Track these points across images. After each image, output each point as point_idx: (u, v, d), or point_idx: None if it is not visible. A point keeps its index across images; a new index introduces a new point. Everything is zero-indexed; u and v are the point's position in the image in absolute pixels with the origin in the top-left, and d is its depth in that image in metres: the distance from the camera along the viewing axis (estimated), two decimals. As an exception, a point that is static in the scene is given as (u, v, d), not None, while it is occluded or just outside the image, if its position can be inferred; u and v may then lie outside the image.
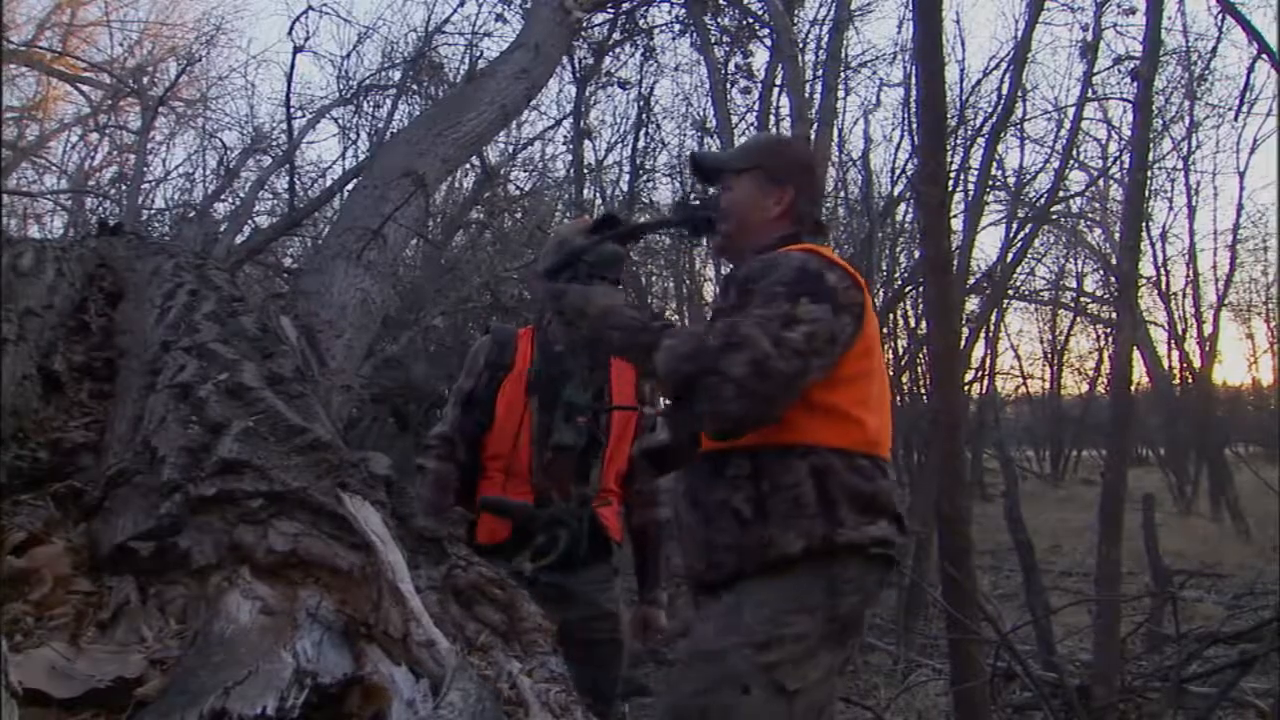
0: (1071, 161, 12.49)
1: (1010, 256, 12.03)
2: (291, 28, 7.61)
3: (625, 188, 11.20)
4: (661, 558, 2.88)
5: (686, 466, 2.09)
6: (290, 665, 0.93)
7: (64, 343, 2.27)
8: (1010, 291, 14.80)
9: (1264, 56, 5.40)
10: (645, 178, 10.86)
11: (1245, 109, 11.62)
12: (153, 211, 10.86)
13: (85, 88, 14.07)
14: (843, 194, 12.50)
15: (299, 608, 1.07)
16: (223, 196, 10.48)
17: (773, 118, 10.52)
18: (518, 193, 11.31)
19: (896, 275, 12.05)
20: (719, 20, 9.75)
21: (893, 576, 2.19)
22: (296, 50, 7.36)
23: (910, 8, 6.69)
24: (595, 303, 2.03)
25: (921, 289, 9.29)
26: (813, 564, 1.87)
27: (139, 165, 10.55)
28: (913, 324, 13.45)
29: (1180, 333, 17.15)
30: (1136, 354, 15.96)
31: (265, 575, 1.14)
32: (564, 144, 11.93)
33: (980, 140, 10.68)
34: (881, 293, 11.00)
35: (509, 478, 2.72)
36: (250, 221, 9.62)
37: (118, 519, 1.27)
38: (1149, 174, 12.76)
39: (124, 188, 11.22)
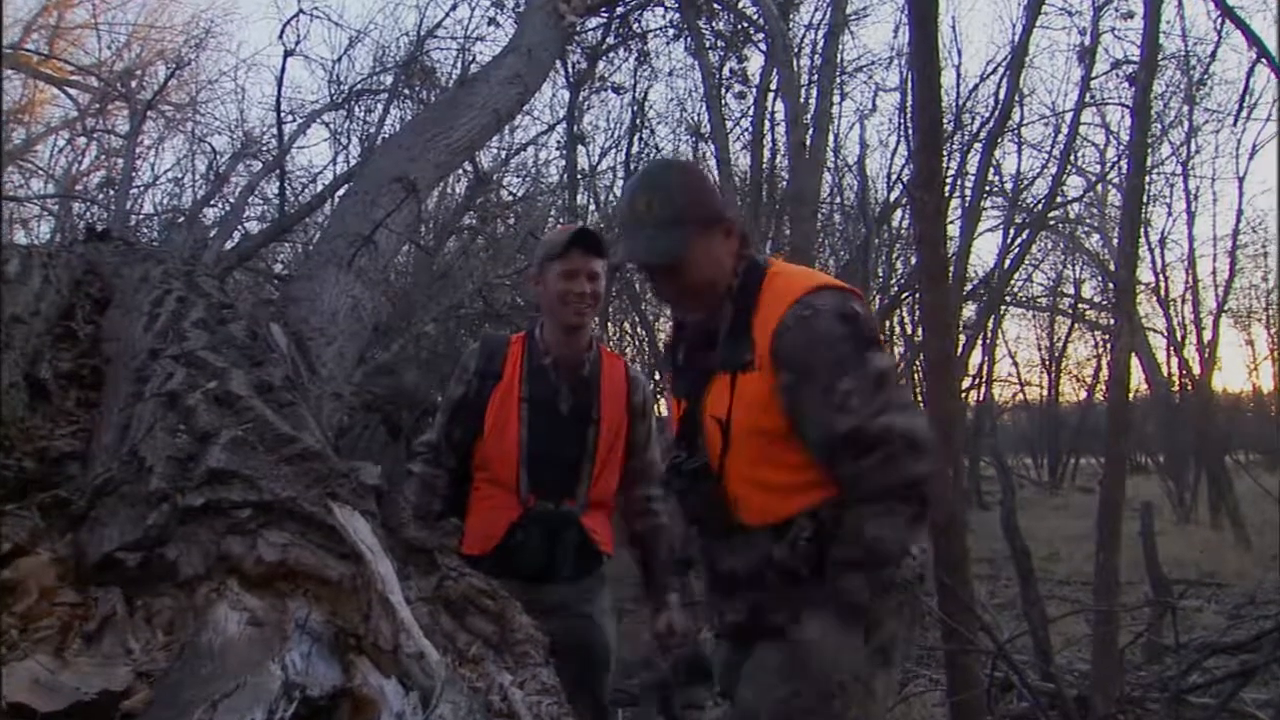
0: (1069, 167, 12.57)
1: (1008, 262, 12.12)
2: (282, 31, 7.63)
3: (619, 193, 11.20)
4: (665, 561, 2.88)
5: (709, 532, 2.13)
6: (279, 677, 0.93)
7: (50, 350, 2.27)
8: (1008, 297, 14.88)
9: (1263, 61, 5.43)
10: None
11: (1245, 114, 11.65)
12: (141, 217, 10.86)
13: (73, 91, 14.05)
14: (839, 200, 12.55)
15: (288, 619, 1.07)
16: (212, 202, 10.45)
17: (768, 123, 10.56)
18: (510, 199, 11.33)
19: (893, 282, 12.09)
20: (713, 25, 9.80)
21: None
22: (287, 54, 7.39)
23: (906, 12, 6.71)
24: (839, 651, 1.85)
25: (918, 296, 9.31)
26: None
27: (127, 170, 10.51)
28: (909, 331, 13.49)
29: (1179, 339, 17.17)
30: (1135, 361, 16.03)
31: (254, 586, 1.14)
32: (557, 149, 11.96)
33: (977, 145, 10.73)
34: (878, 299, 11.04)
35: (497, 489, 2.72)
36: (240, 227, 9.59)
37: (104, 529, 1.27)
38: (1147, 179, 12.84)
39: (112, 193, 11.18)
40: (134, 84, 12.98)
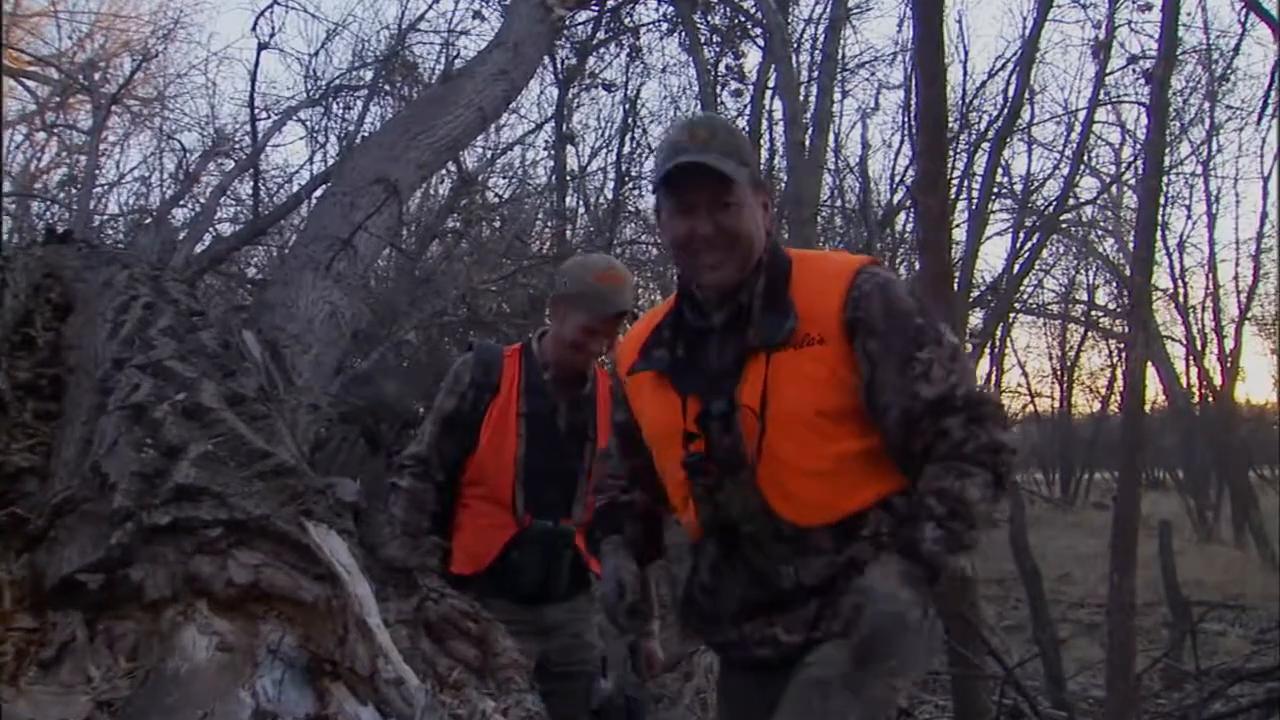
0: (1082, 167, 12.61)
1: (1017, 267, 12.14)
2: (256, 23, 7.66)
3: (610, 195, 11.23)
4: (655, 588, 2.90)
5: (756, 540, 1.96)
6: (249, 706, 0.93)
7: (7, 359, 2.26)
8: (1017, 304, 14.91)
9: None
10: (631, 185, 10.90)
11: (1270, 111, 11.68)
12: (105, 217, 10.84)
13: (31, 83, 14.01)
14: (840, 202, 12.58)
15: (259, 643, 1.07)
16: (182, 202, 10.43)
17: (765, 121, 10.59)
18: (496, 200, 11.33)
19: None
20: (709, 18, 9.83)
21: None
22: (261, 47, 7.39)
23: (910, 6, 6.75)
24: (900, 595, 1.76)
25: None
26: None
27: (90, 167, 10.49)
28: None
29: (1199, 348, 17.26)
30: (1152, 371, 16.08)
31: (224, 609, 1.14)
32: (545, 149, 12.00)
33: (985, 145, 10.76)
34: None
35: (491, 506, 2.73)
36: (211, 229, 9.57)
37: (64, 550, 1.27)
38: (1166, 180, 12.90)
39: (74, 191, 11.16)
40: (97, 76, 12.94)
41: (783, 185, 10.22)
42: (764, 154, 10.86)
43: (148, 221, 9.61)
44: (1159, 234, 13.76)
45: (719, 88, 10.13)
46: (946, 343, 1.88)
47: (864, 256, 2.03)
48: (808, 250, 2.14)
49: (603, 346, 2.78)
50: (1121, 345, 18.45)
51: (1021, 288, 14.13)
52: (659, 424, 2.04)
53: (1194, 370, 17.80)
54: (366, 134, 9.24)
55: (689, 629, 2.24)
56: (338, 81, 10.23)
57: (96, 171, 10.97)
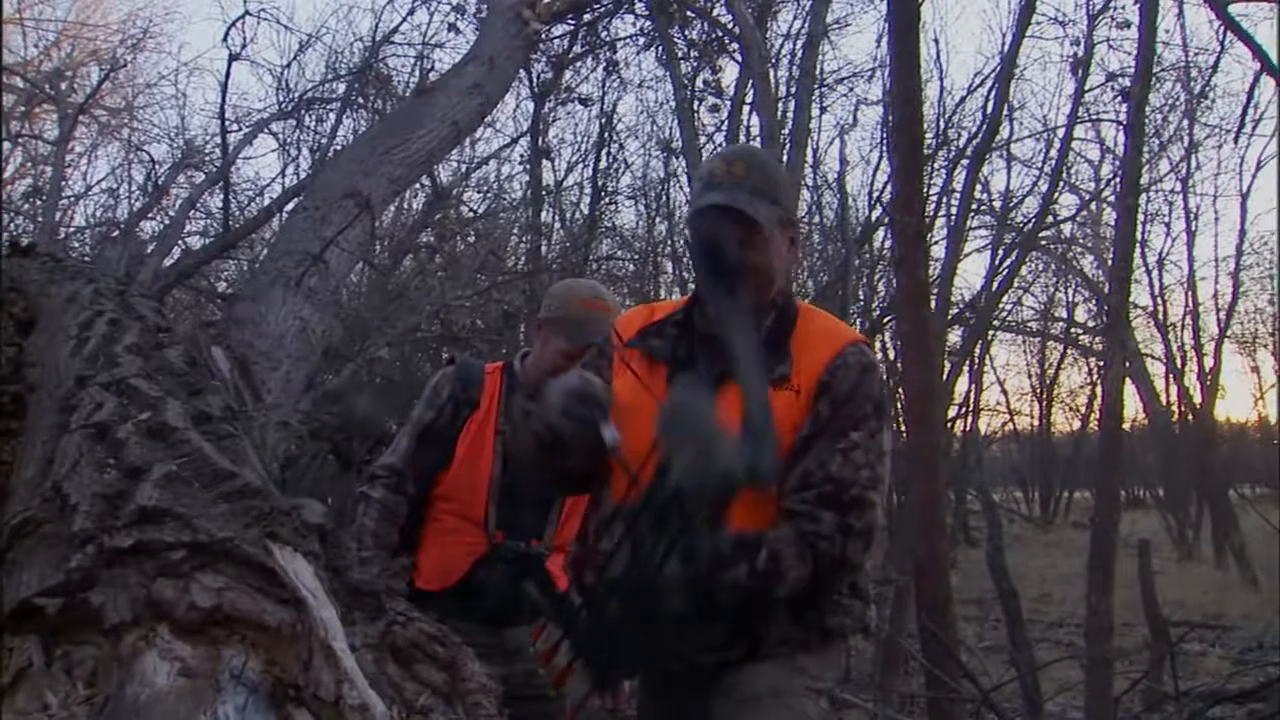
0: (1061, 184, 12.70)
1: (996, 285, 12.20)
2: (227, 34, 7.63)
3: (586, 210, 11.25)
4: None
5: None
6: (210, 733, 0.93)
7: (-32, 376, 2.25)
8: (996, 322, 14.99)
9: (1267, 73, 5.52)
10: (607, 200, 10.93)
11: (1248, 129, 11.84)
12: (71, 230, 10.80)
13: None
14: (818, 219, 12.64)
15: (222, 669, 1.07)
16: (150, 215, 10.39)
17: (743, 137, 10.63)
18: (471, 215, 11.32)
19: (874, 305, 12.17)
20: (686, 33, 9.87)
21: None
22: (232, 58, 7.39)
23: (888, 23, 6.81)
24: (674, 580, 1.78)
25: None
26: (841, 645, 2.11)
27: (56, 179, 10.46)
28: (891, 356, 13.57)
29: (1179, 366, 17.39)
30: (1131, 389, 16.22)
31: (186, 633, 1.13)
32: (521, 163, 11.98)
33: (964, 161, 10.84)
34: (859, 323, 11.11)
35: (461, 522, 2.73)
36: (180, 243, 9.53)
37: (22, 573, 1.26)
38: (1145, 197, 13.04)
39: (39, 203, 11.10)
40: (64, 86, 12.88)
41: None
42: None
43: (115, 234, 9.57)
44: (1138, 252, 13.95)
45: (696, 103, 10.18)
46: (881, 440, 2.02)
47: (861, 335, 2.21)
48: (814, 308, 2.26)
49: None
50: (1101, 363, 18.58)
51: (1000, 305, 14.19)
52: (633, 402, 2.05)
53: (1174, 388, 17.95)
54: (339, 147, 9.23)
55: None
56: (310, 94, 10.22)
57: (62, 183, 10.92)
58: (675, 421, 1.65)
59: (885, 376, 2.20)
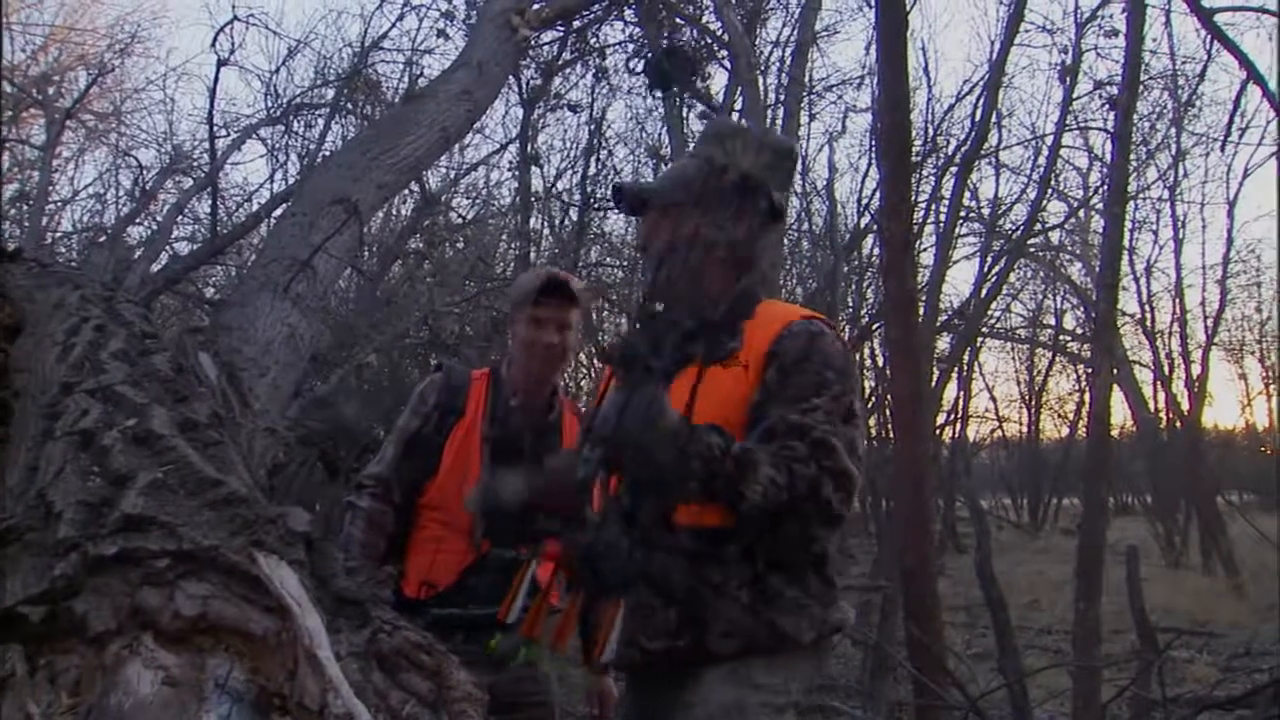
0: (1050, 191, 12.78)
1: (985, 291, 12.26)
2: (215, 39, 7.58)
3: (575, 217, 11.24)
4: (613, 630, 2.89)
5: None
6: (194, 742, 0.93)
7: (-48, 383, 2.24)
8: (984, 329, 15.06)
9: (1254, 81, 5.57)
10: (596, 207, 10.92)
11: (1235, 137, 11.91)
12: (58, 235, 10.77)
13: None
14: (806, 226, 12.67)
15: (206, 678, 1.06)
16: (137, 220, 10.38)
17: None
18: (459, 222, 11.33)
19: (863, 312, 12.20)
20: (675, 40, 9.88)
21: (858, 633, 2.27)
22: (221, 63, 7.35)
23: (876, 31, 6.83)
24: (669, 416, 1.74)
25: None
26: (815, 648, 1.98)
27: (43, 183, 10.43)
28: (880, 363, 13.60)
29: (1167, 373, 17.48)
30: (1120, 396, 16.28)
31: (170, 642, 1.13)
32: (509, 170, 11.99)
33: (953, 169, 10.89)
34: (847, 330, 11.13)
35: (448, 531, 2.72)
36: (168, 248, 9.52)
37: (5, 581, 1.26)
38: (1133, 205, 13.10)
39: (25, 208, 11.07)
40: (51, 90, 12.86)
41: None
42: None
43: (102, 240, 9.55)
44: (1125, 259, 14.01)
45: (685, 110, 10.20)
46: (847, 404, 1.95)
47: (820, 315, 2.11)
48: (781, 302, 2.25)
49: (555, 338, 2.77)
50: (1089, 370, 18.63)
51: (989, 312, 14.29)
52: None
53: (1161, 395, 18.05)
54: (328, 153, 9.22)
55: None
56: (299, 99, 10.23)
57: (49, 188, 10.88)
58: (605, 425, 1.70)
59: (845, 346, 2.12)
